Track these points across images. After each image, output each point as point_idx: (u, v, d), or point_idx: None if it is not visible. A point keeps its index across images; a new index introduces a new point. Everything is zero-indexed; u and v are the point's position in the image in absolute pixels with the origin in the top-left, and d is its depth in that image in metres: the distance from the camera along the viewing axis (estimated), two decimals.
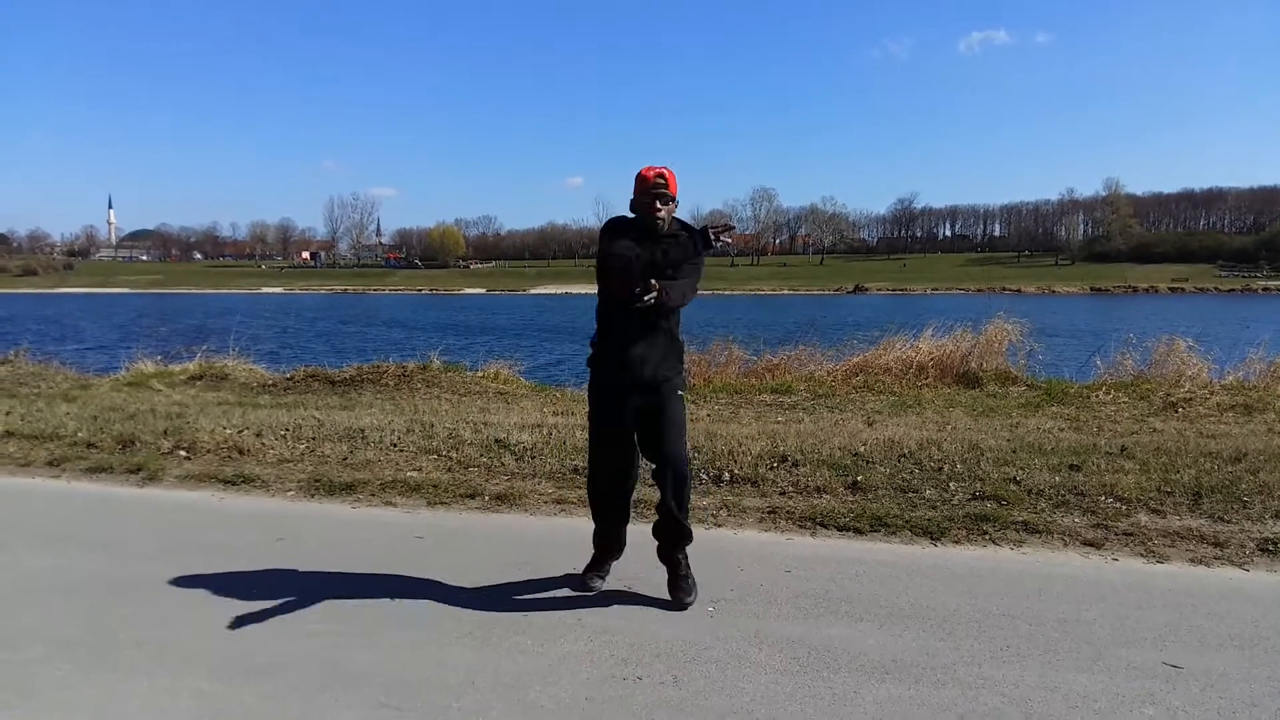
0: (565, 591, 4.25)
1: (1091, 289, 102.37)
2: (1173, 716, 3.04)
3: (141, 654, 3.62)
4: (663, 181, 3.89)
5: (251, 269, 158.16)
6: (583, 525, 5.33)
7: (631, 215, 4.03)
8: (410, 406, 9.53)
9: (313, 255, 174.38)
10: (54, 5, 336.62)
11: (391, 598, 4.19)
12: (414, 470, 6.57)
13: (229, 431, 7.63)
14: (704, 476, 6.17)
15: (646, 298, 3.67)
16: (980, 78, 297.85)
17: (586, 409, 4.21)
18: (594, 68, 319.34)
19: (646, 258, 3.81)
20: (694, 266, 4.02)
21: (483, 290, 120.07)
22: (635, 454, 4.14)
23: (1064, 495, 5.53)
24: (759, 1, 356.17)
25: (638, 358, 3.95)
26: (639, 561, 4.55)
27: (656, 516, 4.19)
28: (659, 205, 3.89)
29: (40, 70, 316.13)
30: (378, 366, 11.93)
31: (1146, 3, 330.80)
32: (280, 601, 4.17)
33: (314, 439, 7.45)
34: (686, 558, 4.19)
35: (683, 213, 4.11)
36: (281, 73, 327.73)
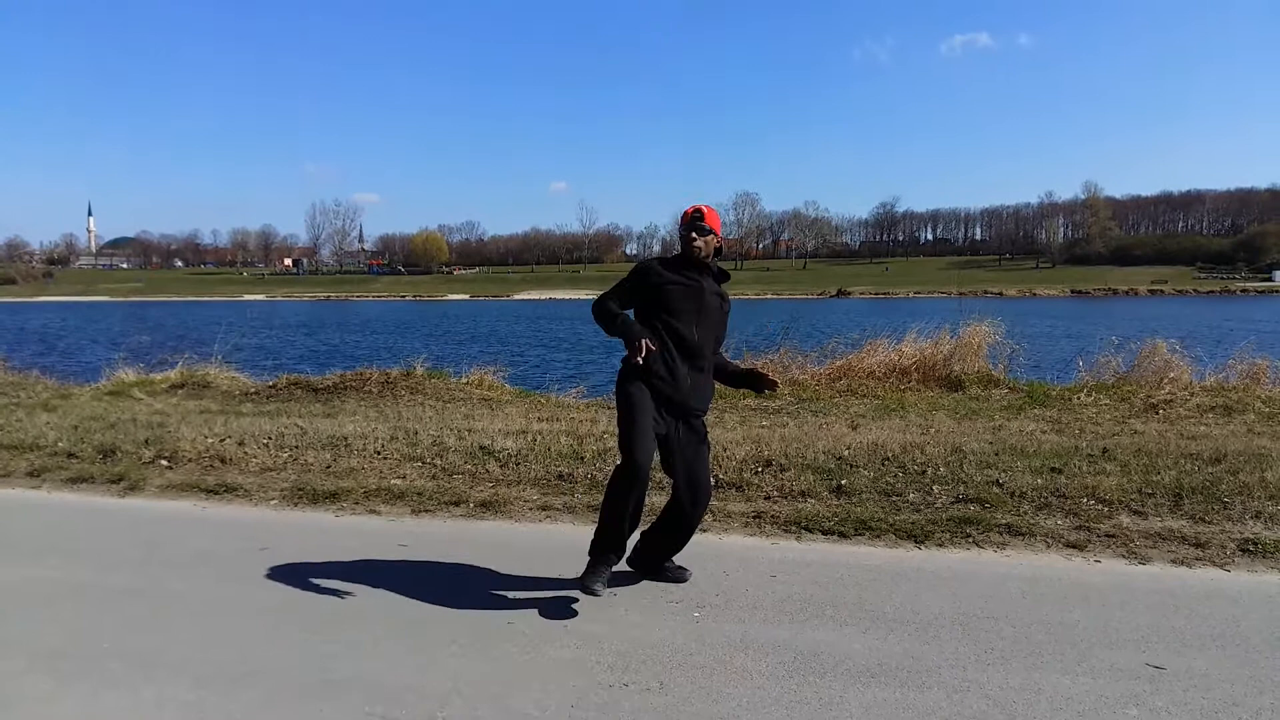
0: (551, 598, 4.24)
1: (1072, 292, 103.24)
2: (1156, 717, 3.06)
3: (125, 664, 3.59)
4: (700, 215, 4.21)
5: (233, 276, 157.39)
6: (568, 531, 5.35)
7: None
8: (394, 414, 9.50)
9: (295, 262, 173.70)
10: (28, 9, 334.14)
11: (376, 606, 4.17)
12: (398, 478, 6.55)
13: (211, 440, 7.58)
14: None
15: (639, 359, 3.93)
16: (962, 80, 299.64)
17: (616, 406, 4.15)
18: (577, 73, 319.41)
19: (691, 287, 4.17)
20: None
21: (466, 296, 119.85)
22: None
23: (1046, 497, 5.57)
24: (738, 5, 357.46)
25: (686, 386, 4.15)
26: (625, 568, 4.57)
27: (653, 529, 4.43)
28: (695, 236, 4.19)
29: (17, 75, 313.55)
30: (361, 373, 11.86)
31: (1128, 6, 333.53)
32: (264, 611, 4.15)
33: (297, 447, 7.42)
34: None
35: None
36: (262, 78, 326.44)
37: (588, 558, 4.12)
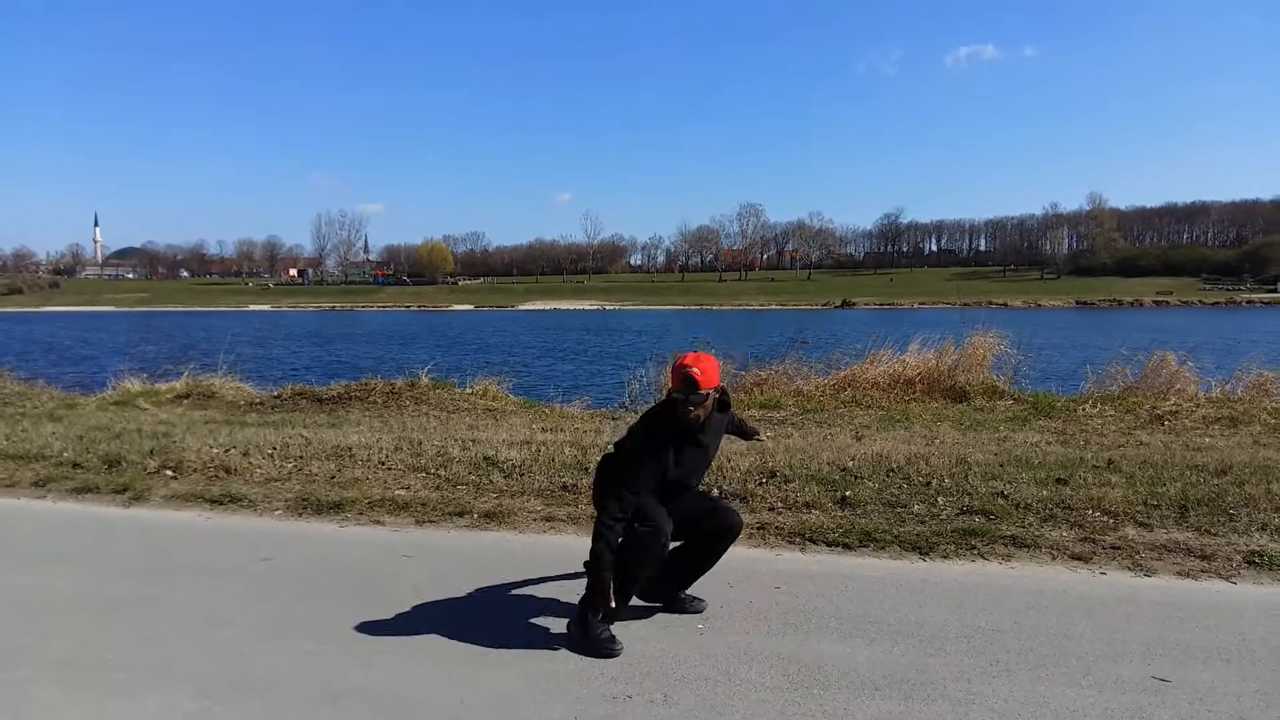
0: (554, 609, 4.23)
1: (1077, 302, 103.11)
2: None
3: (129, 674, 3.59)
4: (693, 385, 3.77)
5: (238, 286, 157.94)
6: (571, 542, 5.34)
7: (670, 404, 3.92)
8: (398, 424, 9.51)
9: (300, 272, 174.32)
10: (37, 20, 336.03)
11: (379, 617, 4.17)
12: (402, 488, 6.55)
13: (216, 450, 7.59)
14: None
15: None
16: (967, 92, 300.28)
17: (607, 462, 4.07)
18: (582, 84, 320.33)
19: (675, 467, 3.90)
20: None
21: (471, 306, 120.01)
22: None
23: (1052, 509, 5.55)
24: (745, 17, 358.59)
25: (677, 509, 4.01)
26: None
27: (674, 559, 4.17)
28: (691, 409, 3.82)
29: (25, 85, 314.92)
30: (366, 384, 11.89)
31: (1134, 17, 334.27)
32: (268, 621, 4.15)
33: (301, 458, 7.42)
34: None
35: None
36: (268, 89, 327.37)
37: (581, 621, 3.86)
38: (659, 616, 4.13)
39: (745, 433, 4.88)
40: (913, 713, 3.19)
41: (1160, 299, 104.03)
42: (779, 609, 4.21)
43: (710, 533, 4.13)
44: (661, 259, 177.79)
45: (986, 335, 11.75)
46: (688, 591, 4.28)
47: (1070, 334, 41.77)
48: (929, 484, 6.13)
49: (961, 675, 3.48)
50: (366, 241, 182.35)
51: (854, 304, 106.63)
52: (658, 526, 3.79)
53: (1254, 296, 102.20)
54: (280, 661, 3.71)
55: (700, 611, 4.23)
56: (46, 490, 6.84)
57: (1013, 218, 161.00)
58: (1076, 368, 13.03)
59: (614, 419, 9.43)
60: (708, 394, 3.83)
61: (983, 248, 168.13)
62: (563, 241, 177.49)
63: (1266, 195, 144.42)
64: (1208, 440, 7.93)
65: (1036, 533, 5.19)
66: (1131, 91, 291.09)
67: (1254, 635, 3.83)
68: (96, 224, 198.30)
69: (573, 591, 4.43)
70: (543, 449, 7.52)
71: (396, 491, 6.45)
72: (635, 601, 4.12)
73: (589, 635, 3.80)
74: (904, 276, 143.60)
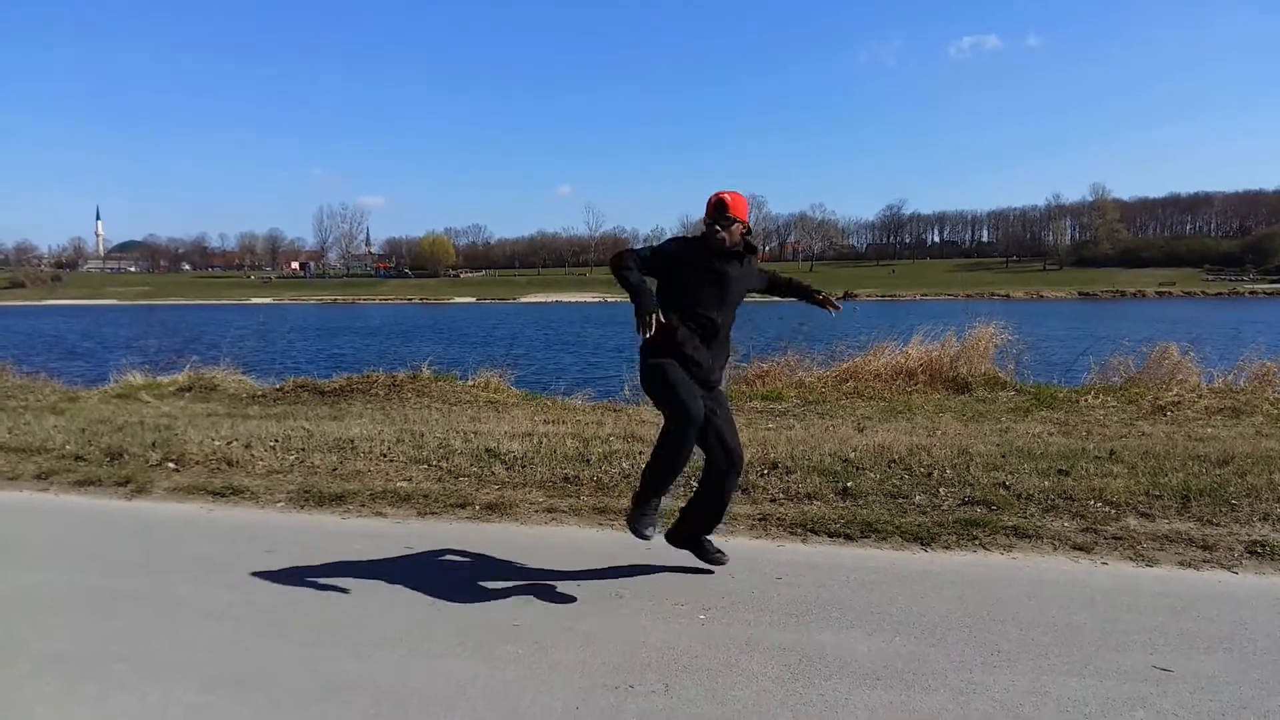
0: (556, 600, 4.24)
1: (1080, 294, 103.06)
2: None
3: (131, 667, 3.59)
4: (723, 206, 4.18)
5: (240, 280, 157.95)
6: (573, 534, 5.35)
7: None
8: (400, 416, 9.51)
9: (302, 265, 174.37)
10: (38, 15, 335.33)
11: (381, 608, 4.17)
12: (404, 480, 6.55)
13: (218, 443, 7.59)
14: (694, 484, 6.16)
15: (646, 334, 3.97)
16: (969, 82, 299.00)
17: (647, 379, 4.17)
18: (583, 76, 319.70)
19: (693, 283, 4.17)
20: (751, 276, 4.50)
21: (473, 299, 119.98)
22: None
23: (1053, 500, 5.55)
24: (745, 8, 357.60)
25: (708, 363, 4.26)
26: (631, 570, 4.58)
27: (691, 505, 4.54)
28: (719, 229, 4.19)
29: (27, 79, 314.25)
30: (368, 376, 11.87)
31: (1137, 7, 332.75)
32: (270, 613, 4.15)
33: (303, 450, 7.42)
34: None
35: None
36: (269, 82, 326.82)
37: (632, 506, 4.29)
38: (660, 606, 4.13)
39: (806, 294, 4.95)
40: (914, 702, 3.19)
41: (1163, 290, 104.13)
42: (781, 599, 4.21)
43: (719, 467, 4.34)
44: None
45: (988, 326, 11.74)
46: (712, 539, 4.61)
47: (1072, 325, 41.73)
48: (931, 475, 6.13)
49: (963, 665, 3.48)
50: (368, 234, 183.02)
51: (856, 295, 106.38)
52: (688, 411, 4.01)
53: (1257, 287, 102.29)
54: (282, 653, 3.71)
55: (723, 563, 4.55)
56: (49, 483, 6.85)
57: (1015, 208, 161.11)
58: (1078, 359, 13.00)
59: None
60: (735, 220, 4.20)
61: (985, 239, 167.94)
62: (565, 234, 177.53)
63: (1270, 185, 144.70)
64: (1210, 431, 7.92)
65: (1038, 523, 5.19)
66: (1135, 82, 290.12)
67: (1255, 625, 3.83)
68: (98, 217, 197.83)
69: (575, 582, 4.46)
70: (545, 441, 7.52)
71: (398, 483, 6.46)
72: (662, 543, 4.55)
73: (637, 512, 4.23)
74: (906, 268, 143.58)
